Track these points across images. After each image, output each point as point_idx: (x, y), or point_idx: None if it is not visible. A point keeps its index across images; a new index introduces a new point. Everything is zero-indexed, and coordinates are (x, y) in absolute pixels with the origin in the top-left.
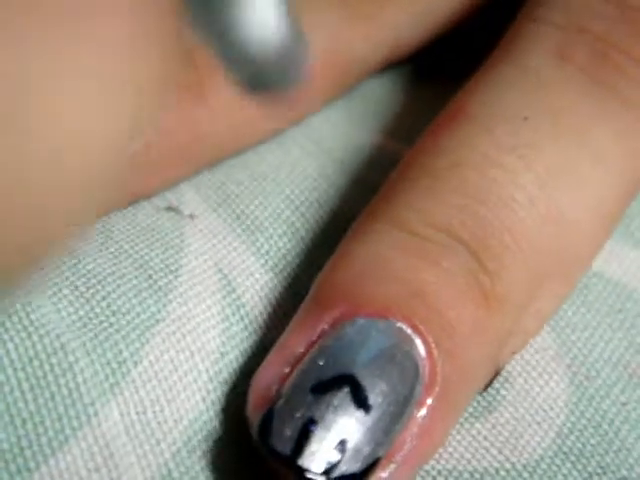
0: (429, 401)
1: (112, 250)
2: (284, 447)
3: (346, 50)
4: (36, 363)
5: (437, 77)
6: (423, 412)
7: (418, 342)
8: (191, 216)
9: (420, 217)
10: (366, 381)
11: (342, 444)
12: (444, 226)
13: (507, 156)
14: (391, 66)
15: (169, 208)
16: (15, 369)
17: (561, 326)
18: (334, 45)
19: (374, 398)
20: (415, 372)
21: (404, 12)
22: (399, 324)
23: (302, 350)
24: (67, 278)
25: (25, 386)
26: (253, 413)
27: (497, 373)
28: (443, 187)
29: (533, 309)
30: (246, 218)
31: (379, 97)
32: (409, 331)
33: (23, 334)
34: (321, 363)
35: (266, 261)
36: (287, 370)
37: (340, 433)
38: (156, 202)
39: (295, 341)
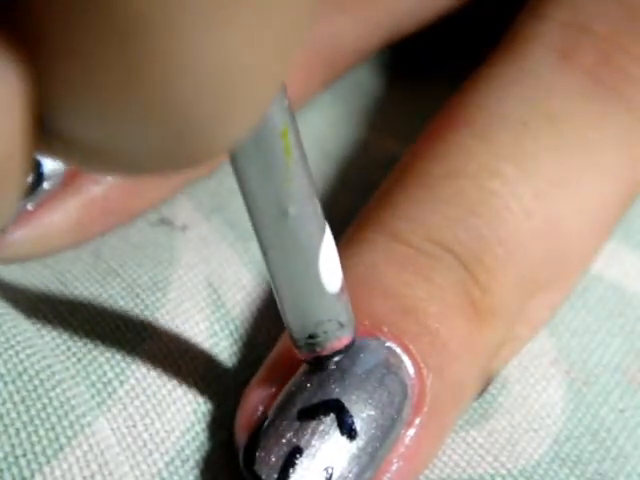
0: (417, 421)
1: (100, 271)
2: (268, 475)
3: (340, 37)
4: (26, 377)
5: (439, 74)
6: (411, 432)
7: (407, 361)
8: (183, 228)
9: (414, 228)
10: (353, 407)
11: (328, 471)
12: (437, 238)
13: (505, 165)
14: (392, 64)
15: (162, 221)
16: (5, 382)
17: (560, 330)
18: (328, 31)
19: (360, 424)
20: (403, 393)
21: None
22: (389, 343)
23: (290, 368)
24: (52, 303)
25: (17, 398)
26: (239, 435)
27: (489, 381)
28: (438, 197)
29: (526, 318)
30: (238, 226)
31: (378, 95)
32: (398, 350)
33: (11, 352)
34: (308, 385)
35: (258, 272)
36: (274, 390)
37: (325, 461)
38: (149, 216)
39: (283, 359)
